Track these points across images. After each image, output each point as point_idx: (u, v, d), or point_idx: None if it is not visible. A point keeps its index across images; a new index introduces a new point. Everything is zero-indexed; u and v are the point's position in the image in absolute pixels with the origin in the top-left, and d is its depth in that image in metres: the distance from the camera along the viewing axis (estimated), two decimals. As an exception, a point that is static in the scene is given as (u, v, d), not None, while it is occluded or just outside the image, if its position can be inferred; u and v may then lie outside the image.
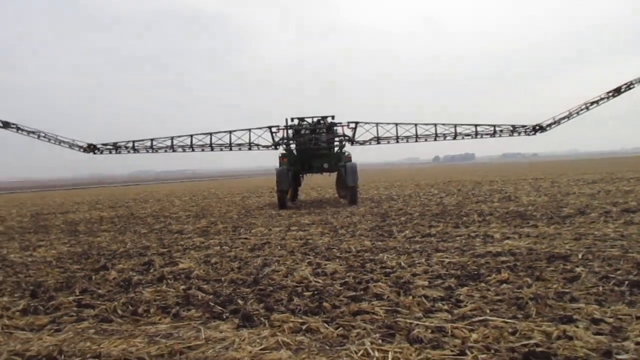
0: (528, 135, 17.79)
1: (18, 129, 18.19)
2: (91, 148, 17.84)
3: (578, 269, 4.89)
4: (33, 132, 18.28)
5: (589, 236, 6.82)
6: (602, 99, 17.05)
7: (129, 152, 17.57)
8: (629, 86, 16.71)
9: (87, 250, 8.38)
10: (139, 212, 16.92)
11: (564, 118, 17.47)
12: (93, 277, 6.10)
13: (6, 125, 18.12)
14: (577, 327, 3.28)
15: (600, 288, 4.20)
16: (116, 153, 17.76)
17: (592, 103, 17.19)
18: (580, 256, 5.51)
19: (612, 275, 4.57)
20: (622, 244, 6.13)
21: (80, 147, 18.01)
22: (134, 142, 17.61)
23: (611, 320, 3.39)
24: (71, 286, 5.64)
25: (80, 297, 5.10)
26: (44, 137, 18.26)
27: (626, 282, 4.31)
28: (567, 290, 4.20)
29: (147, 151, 17.58)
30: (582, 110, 17.31)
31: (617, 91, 16.87)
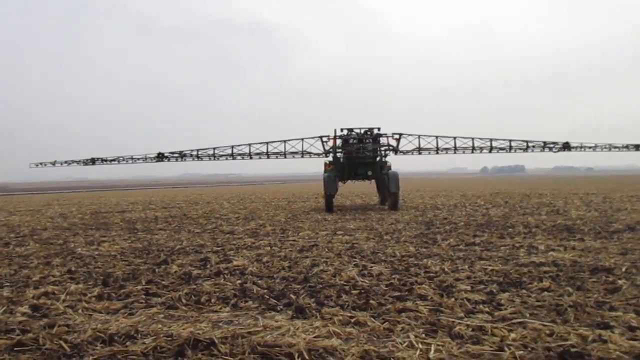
0: (556, 152, 19.13)
1: (103, 161, 21.64)
2: (160, 157, 19.54)
3: (620, 281, 5.01)
4: (114, 160, 21.68)
5: (636, 251, 6.84)
6: (624, 147, 19.26)
7: (193, 159, 18.79)
8: None
9: (147, 247, 8.99)
10: (191, 213, 17.70)
11: (589, 148, 19.09)
12: (156, 270, 6.63)
13: (93, 161, 21.89)
14: (612, 332, 3.46)
15: (641, 299, 4.33)
16: (181, 160, 18.99)
17: (615, 147, 19.22)
18: (624, 269, 5.60)
19: (654, 288, 4.68)
20: (668, 259, 6.15)
21: (152, 158, 19.91)
22: (198, 150, 18.94)
23: (647, 327, 3.55)
24: (137, 277, 6.17)
25: (147, 287, 5.60)
26: (123, 160, 21.47)
27: (667, 295, 4.42)
28: (607, 300, 4.35)
29: (210, 159, 18.80)
30: (605, 148, 19.08)
31: (637, 147, 19.19)
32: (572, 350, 3.17)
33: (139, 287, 5.53)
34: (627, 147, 19.19)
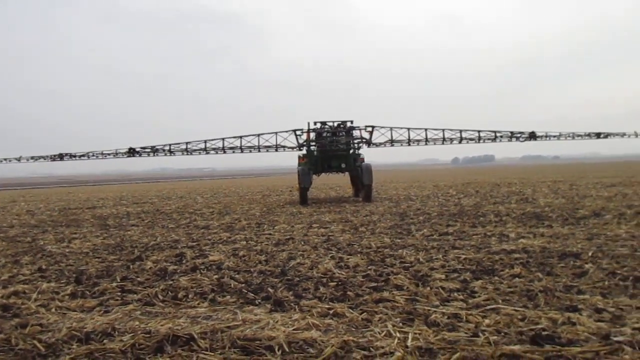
0: (523, 141, 19.94)
1: (72, 156, 21.26)
2: (131, 152, 19.25)
3: (587, 266, 5.20)
4: (83, 155, 21.23)
5: (601, 236, 7.10)
6: (586, 135, 19.96)
7: (165, 154, 18.59)
8: (607, 136, 20.19)
9: (120, 243, 8.86)
10: (164, 208, 17.49)
11: (554, 137, 19.85)
12: (130, 266, 6.54)
13: (61, 156, 21.48)
14: (580, 315, 3.61)
15: (606, 282, 4.50)
16: (153, 155, 18.76)
17: (578, 135, 19.91)
18: (590, 254, 5.81)
19: (619, 272, 4.87)
20: (632, 243, 6.40)
21: (123, 153, 19.60)
22: (170, 145, 18.75)
23: (613, 309, 3.71)
24: (112, 274, 6.08)
25: (122, 283, 5.53)
26: (93, 155, 21.12)
27: (631, 278, 4.61)
28: (574, 284, 4.51)
29: (183, 154, 18.57)
30: (569, 137, 19.83)
31: (598, 135, 19.97)
32: (543, 333, 3.28)
33: (114, 284, 5.46)
34: (589, 135, 19.84)
